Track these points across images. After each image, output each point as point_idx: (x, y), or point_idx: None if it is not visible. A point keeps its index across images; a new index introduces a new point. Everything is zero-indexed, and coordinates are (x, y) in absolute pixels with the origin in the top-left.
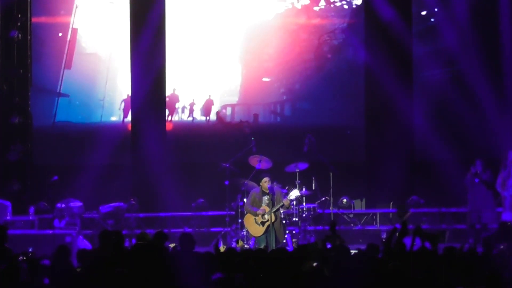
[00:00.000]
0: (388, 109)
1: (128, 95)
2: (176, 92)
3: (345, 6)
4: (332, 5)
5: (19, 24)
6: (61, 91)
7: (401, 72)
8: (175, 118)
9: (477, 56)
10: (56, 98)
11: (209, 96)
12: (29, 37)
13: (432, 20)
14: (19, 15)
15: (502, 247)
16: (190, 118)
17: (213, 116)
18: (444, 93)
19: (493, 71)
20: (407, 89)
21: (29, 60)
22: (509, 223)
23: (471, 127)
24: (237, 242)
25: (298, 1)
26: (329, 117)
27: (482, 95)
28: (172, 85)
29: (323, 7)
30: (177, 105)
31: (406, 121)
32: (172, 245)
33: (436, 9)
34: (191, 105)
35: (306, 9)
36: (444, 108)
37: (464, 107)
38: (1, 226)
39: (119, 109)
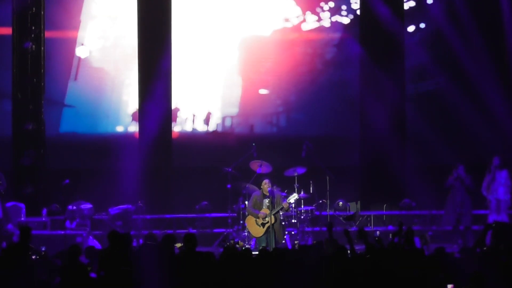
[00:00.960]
0: (381, 116)
1: (136, 109)
2: (178, 104)
3: (339, 20)
4: (326, 21)
5: (33, 35)
6: (66, 102)
7: (395, 81)
8: (178, 128)
9: (482, 60)
10: (62, 109)
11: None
12: (42, 48)
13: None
14: (33, 27)
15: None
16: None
17: (212, 126)
18: (446, 99)
19: (499, 75)
20: (400, 97)
21: (42, 70)
22: (493, 224)
23: (470, 131)
24: (237, 243)
25: (292, 13)
26: (323, 127)
27: (487, 99)
28: (175, 97)
29: (317, 22)
30: (179, 116)
31: (399, 127)
32: (178, 245)
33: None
34: (194, 116)
35: (301, 24)
36: (444, 114)
37: (464, 113)
38: (26, 227)
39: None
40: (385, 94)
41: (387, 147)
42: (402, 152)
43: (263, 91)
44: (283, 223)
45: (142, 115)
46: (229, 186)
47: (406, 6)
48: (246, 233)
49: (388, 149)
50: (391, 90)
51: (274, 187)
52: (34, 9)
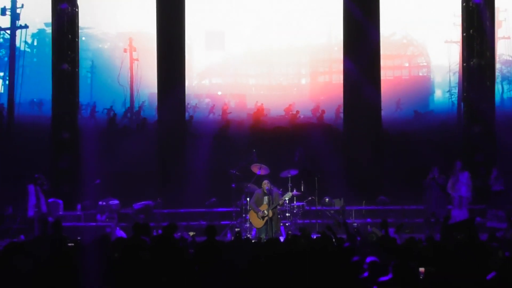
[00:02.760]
0: (362, 125)
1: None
2: None
3: None
4: None
5: (69, 59)
6: None
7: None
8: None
9: None
10: None
11: None
12: (76, 69)
13: None
14: (69, 52)
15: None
16: None
17: None
18: None
19: None
20: (378, 109)
21: (76, 88)
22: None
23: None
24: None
25: None
26: None
27: None
28: None
29: None
30: None
31: (377, 136)
32: (191, 234)
33: None
34: None
35: None
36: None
37: None
38: (57, 220)
39: None
40: (365, 106)
41: (366, 153)
42: (379, 156)
43: None
44: (279, 216)
45: (161, 127)
46: (233, 185)
47: None
48: (248, 225)
49: (367, 155)
50: (372, 102)
51: (272, 186)
52: (70, 36)
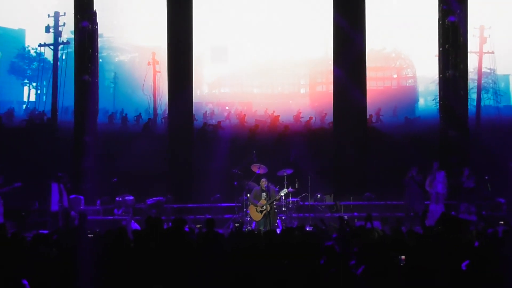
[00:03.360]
0: (350, 127)
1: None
2: None
3: None
4: None
5: (89, 71)
6: None
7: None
8: None
9: None
10: None
11: None
12: (96, 80)
13: None
14: (89, 64)
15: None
16: None
17: None
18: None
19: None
20: (363, 109)
21: (96, 96)
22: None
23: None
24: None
25: None
26: None
27: None
28: None
29: None
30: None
31: (363, 137)
32: (198, 226)
33: None
34: None
35: None
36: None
37: None
38: (83, 213)
39: None
40: (352, 109)
41: (354, 153)
42: (365, 156)
43: None
44: (276, 210)
45: (171, 131)
46: (235, 183)
47: None
48: (248, 218)
49: (354, 155)
50: (358, 105)
51: (269, 184)
52: (90, 50)
